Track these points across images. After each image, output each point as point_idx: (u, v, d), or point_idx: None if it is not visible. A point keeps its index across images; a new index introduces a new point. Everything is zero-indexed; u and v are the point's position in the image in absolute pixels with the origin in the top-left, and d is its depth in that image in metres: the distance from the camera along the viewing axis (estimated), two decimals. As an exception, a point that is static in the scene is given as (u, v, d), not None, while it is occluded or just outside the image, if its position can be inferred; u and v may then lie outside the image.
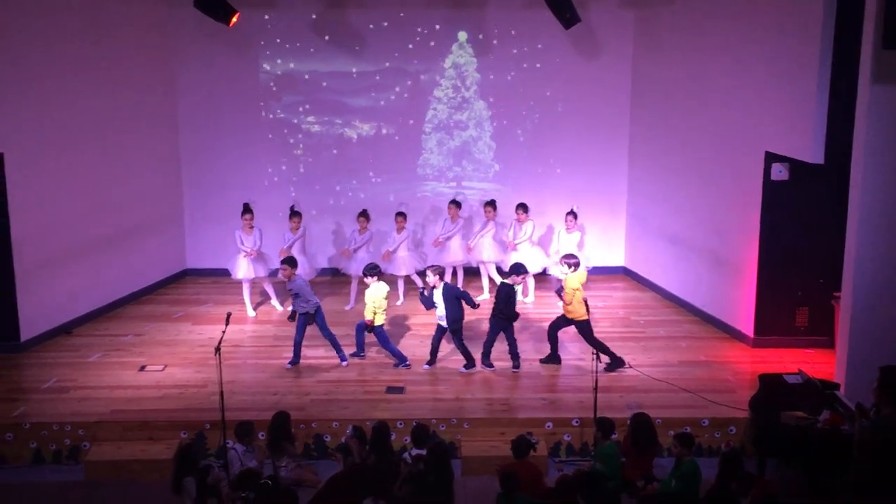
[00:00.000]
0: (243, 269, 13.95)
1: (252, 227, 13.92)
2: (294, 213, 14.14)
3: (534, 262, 14.55)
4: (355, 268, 14.32)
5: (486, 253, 14.63)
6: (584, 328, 12.04)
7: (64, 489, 10.33)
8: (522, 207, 14.42)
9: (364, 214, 14.38)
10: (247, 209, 13.96)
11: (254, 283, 14.37)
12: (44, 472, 10.66)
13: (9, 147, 12.33)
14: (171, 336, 13.48)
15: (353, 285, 14.61)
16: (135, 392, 11.62)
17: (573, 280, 11.99)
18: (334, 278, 15.58)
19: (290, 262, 12.35)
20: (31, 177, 12.72)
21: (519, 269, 12.22)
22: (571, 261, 12.10)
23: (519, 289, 14.57)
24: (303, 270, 14.16)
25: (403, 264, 14.51)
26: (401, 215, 14.46)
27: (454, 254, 14.66)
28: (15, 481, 10.46)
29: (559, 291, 12.31)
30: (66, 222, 13.42)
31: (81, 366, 12.40)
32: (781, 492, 9.17)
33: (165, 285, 15.62)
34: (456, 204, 14.70)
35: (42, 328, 13.15)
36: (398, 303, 14.69)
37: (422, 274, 12.45)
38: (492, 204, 14.67)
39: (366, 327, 12.34)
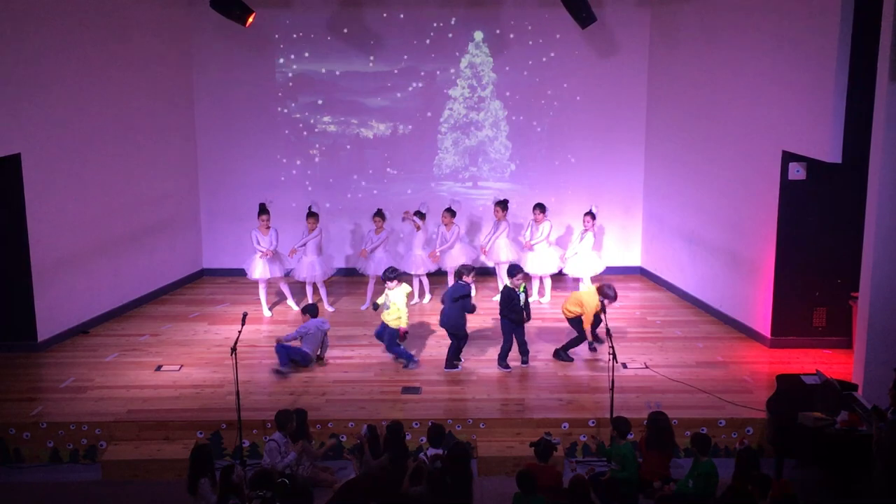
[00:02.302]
0: (259, 270, 13.98)
1: (269, 228, 13.94)
2: (310, 214, 14.16)
3: (550, 262, 14.54)
4: (373, 268, 14.35)
5: (504, 253, 14.61)
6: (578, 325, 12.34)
7: (81, 488, 10.36)
8: (540, 207, 14.39)
9: (380, 214, 14.40)
10: (263, 210, 13.97)
11: (270, 283, 14.38)
12: (61, 472, 10.69)
13: (26, 148, 12.37)
14: (188, 336, 13.51)
15: (370, 285, 14.62)
16: (151, 392, 11.65)
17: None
18: (351, 278, 15.61)
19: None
20: (49, 177, 12.77)
21: (513, 270, 12.12)
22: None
23: (535, 289, 14.73)
24: (319, 270, 14.24)
25: (417, 263, 14.52)
26: (417, 214, 14.46)
27: (455, 259, 14.61)
28: (32, 480, 10.51)
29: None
30: (83, 223, 13.47)
31: (98, 365, 12.44)
32: (800, 492, 9.12)
33: (182, 285, 15.66)
34: (450, 212, 14.64)
35: (59, 328, 13.20)
36: (413, 302, 14.72)
37: (457, 274, 12.45)
38: (502, 204, 14.60)
39: (400, 336, 12.30)
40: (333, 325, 13.34)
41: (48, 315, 12.97)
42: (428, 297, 14.81)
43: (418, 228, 14.47)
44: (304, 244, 14.13)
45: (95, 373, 12.20)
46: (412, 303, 14.68)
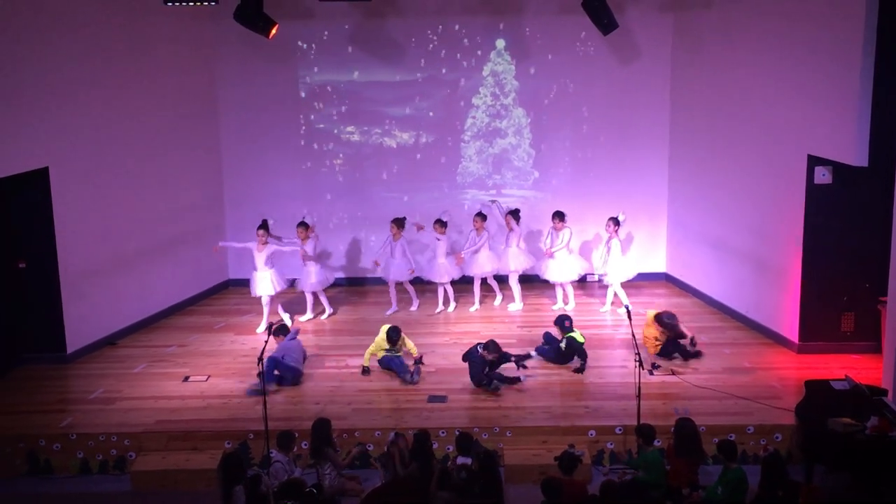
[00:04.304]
0: (260, 286, 13.85)
1: (265, 244, 13.75)
2: (300, 224, 14.08)
3: (571, 269, 14.53)
4: (393, 272, 14.42)
5: (514, 262, 14.62)
6: None
7: (111, 499, 10.45)
8: (559, 215, 14.36)
9: (396, 222, 14.44)
10: (262, 225, 13.85)
11: (273, 298, 14.06)
12: (91, 483, 10.77)
13: (54, 161, 12.50)
14: (215, 346, 13.58)
15: (392, 291, 14.66)
16: (179, 402, 11.71)
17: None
18: (378, 287, 15.62)
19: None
20: (77, 190, 12.89)
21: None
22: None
23: (560, 296, 14.74)
24: (317, 278, 14.26)
25: (440, 272, 14.56)
26: (439, 223, 14.48)
27: (481, 266, 14.67)
28: (62, 492, 10.60)
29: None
30: (110, 235, 13.57)
31: (126, 377, 12.52)
32: (829, 498, 9.06)
33: (208, 296, 15.73)
34: (481, 216, 14.64)
35: (87, 340, 13.31)
36: (438, 310, 14.73)
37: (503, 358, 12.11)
38: (514, 213, 14.58)
39: (419, 360, 12.35)
40: (362, 335, 13.37)
41: (77, 327, 13.08)
42: (453, 305, 14.82)
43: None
44: (304, 255, 14.09)
45: (124, 384, 12.28)
46: (437, 311, 14.70)
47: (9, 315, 12.81)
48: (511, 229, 14.57)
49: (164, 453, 10.82)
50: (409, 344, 12.40)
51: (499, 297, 15.04)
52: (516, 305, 14.80)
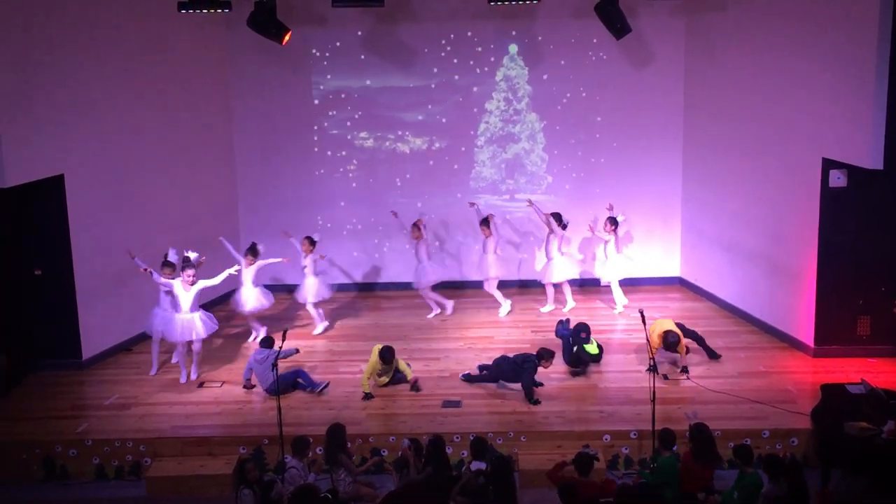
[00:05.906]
0: (186, 330, 12.36)
1: (193, 283, 12.33)
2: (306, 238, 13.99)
3: (566, 270, 14.61)
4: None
5: (492, 269, 14.62)
6: None
7: (126, 505, 10.48)
8: (555, 217, 14.36)
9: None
10: (187, 263, 12.43)
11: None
12: (107, 488, 10.83)
13: (69, 168, 12.56)
14: (229, 353, 13.60)
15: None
16: (194, 408, 11.75)
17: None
18: (388, 292, 15.64)
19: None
20: (91, 197, 12.95)
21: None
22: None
23: (567, 297, 14.79)
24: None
25: (305, 289, 14.30)
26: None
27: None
28: (78, 497, 10.65)
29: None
30: (125, 242, 13.56)
31: (141, 383, 12.56)
32: (844, 501, 9.01)
33: (222, 302, 15.71)
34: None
35: (103, 346, 13.37)
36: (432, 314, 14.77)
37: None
38: (485, 221, 14.53)
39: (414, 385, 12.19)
40: (375, 340, 13.35)
41: (92, 333, 13.15)
42: (435, 312, 14.86)
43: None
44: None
45: (139, 390, 12.33)
46: (432, 314, 14.72)
47: (25, 322, 12.88)
48: (487, 236, 14.54)
49: (180, 459, 10.86)
50: (402, 365, 12.25)
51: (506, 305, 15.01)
52: (505, 307, 14.81)
